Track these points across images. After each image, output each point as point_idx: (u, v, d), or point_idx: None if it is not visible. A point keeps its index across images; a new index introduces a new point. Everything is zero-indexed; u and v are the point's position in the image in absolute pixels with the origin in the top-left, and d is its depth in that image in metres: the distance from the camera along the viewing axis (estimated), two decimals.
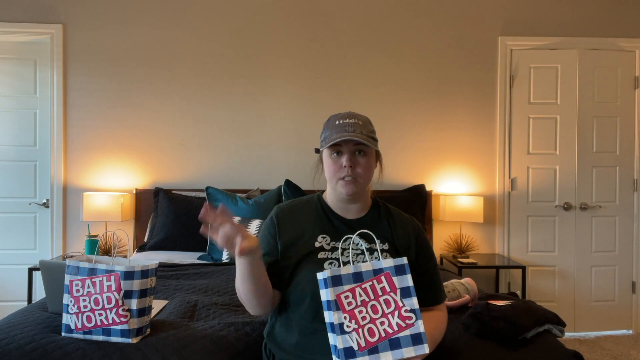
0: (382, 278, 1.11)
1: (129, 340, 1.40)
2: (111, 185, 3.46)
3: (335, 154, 1.30)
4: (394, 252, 1.33)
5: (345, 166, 1.27)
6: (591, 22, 3.65)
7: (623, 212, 3.65)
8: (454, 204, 3.40)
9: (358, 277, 1.10)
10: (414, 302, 1.10)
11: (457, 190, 3.62)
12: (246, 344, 1.48)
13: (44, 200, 3.49)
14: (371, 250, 1.30)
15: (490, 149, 3.65)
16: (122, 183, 3.47)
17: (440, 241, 3.63)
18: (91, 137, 3.45)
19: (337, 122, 1.30)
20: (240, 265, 1.20)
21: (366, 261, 1.28)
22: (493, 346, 1.47)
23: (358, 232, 1.23)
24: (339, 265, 1.27)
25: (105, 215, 3.19)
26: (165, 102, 3.49)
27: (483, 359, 1.43)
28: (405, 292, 1.10)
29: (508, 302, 1.64)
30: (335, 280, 1.09)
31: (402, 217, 1.41)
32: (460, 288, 1.84)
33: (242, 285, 1.24)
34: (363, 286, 1.10)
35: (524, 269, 3.24)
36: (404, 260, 1.13)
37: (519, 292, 3.20)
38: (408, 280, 1.11)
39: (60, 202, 3.41)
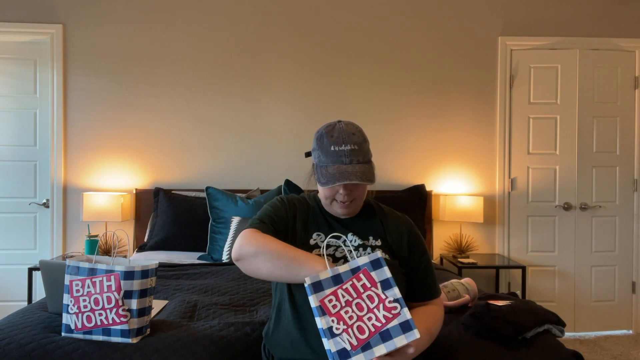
0: (361, 275, 1.13)
1: (129, 340, 1.40)
2: (111, 185, 3.46)
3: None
4: (386, 248, 1.34)
5: (341, 193, 1.29)
6: (591, 22, 3.65)
7: (623, 212, 3.65)
8: (454, 204, 3.40)
9: (337, 279, 1.12)
10: (395, 292, 1.11)
11: (457, 190, 3.62)
12: (246, 344, 1.48)
13: (44, 200, 3.49)
14: (364, 246, 1.32)
15: (490, 149, 3.65)
16: (122, 183, 3.47)
17: (440, 241, 3.63)
18: (91, 137, 3.45)
19: (332, 149, 1.27)
20: (296, 276, 1.17)
21: (361, 255, 1.31)
22: (493, 346, 1.47)
23: (331, 235, 1.25)
24: (334, 262, 1.29)
25: (105, 215, 3.19)
26: (165, 102, 3.49)
27: (483, 359, 1.43)
28: (385, 284, 1.12)
29: (508, 302, 1.64)
30: (316, 286, 1.10)
31: (395, 214, 1.43)
32: (460, 288, 1.84)
33: (274, 275, 1.20)
34: (344, 287, 1.11)
35: (524, 269, 3.24)
36: (378, 254, 1.15)
37: (519, 292, 3.19)
38: (386, 273, 1.13)
39: (60, 202, 3.41)
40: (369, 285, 1.12)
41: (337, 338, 1.06)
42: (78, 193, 3.43)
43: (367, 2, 3.58)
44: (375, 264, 1.14)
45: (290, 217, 1.36)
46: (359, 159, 1.27)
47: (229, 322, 1.59)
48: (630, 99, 3.66)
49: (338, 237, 1.33)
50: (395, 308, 1.10)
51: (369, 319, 1.09)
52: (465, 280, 1.89)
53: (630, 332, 3.63)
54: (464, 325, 1.57)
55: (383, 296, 1.11)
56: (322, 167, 1.29)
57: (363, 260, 1.14)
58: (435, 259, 3.61)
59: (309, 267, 1.15)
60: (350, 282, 1.12)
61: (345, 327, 1.08)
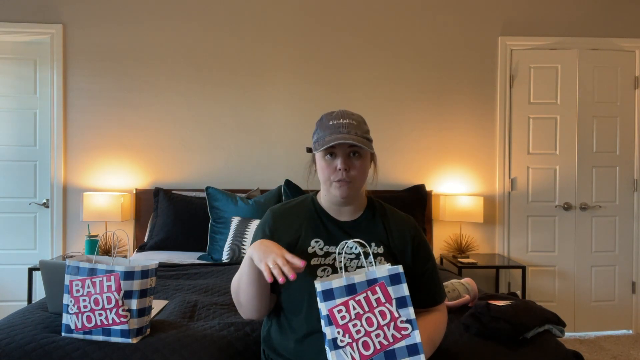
0: (377, 289, 1.06)
1: (129, 341, 1.40)
2: (111, 185, 3.45)
3: (329, 156, 1.27)
4: (389, 255, 1.30)
5: (339, 169, 1.25)
6: (591, 22, 3.65)
7: (623, 212, 3.65)
8: (454, 204, 3.40)
9: (351, 290, 1.06)
10: (410, 312, 1.06)
11: (457, 190, 3.62)
12: (246, 344, 1.48)
13: (44, 200, 3.49)
14: (366, 255, 1.26)
15: (490, 149, 3.65)
16: (122, 183, 3.47)
17: (440, 241, 3.63)
18: (91, 137, 3.45)
19: (330, 123, 1.27)
20: (252, 268, 1.20)
21: (362, 266, 1.24)
22: (493, 346, 1.47)
23: (345, 241, 1.19)
24: (332, 272, 1.24)
25: (105, 215, 3.19)
26: (165, 102, 3.49)
27: (483, 359, 1.43)
28: (401, 302, 1.06)
29: (508, 302, 1.64)
30: (327, 294, 1.05)
31: (398, 217, 1.38)
32: (460, 288, 1.84)
33: (248, 288, 1.23)
34: (357, 298, 1.05)
35: (524, 269, 3.24)
36: (399, 269, 1.08)
37: (519, 292, 3.19)
38: (404, 290, 1.07)
39: (60, 202, 3.41)
40: (383, 300, 1.06)
41: (340, 350, 1.03)
42: (78, 193, 3.43)
43: (367, 2, 3.58)
44: (395, 279, 1.07)
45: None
46: (357, 132, 1.25)
47: (229, 322, 1.59)
48: (630, 99, 3.66)
49: (361, 244, 1.26)
50: (406, 329, 1.04)
51: (377, 335, 1.04)
52: (465, 280, 1.89)
53: (630, 332, 3.63)
54: (464, 325, 1.57)
55: (396, 314, 1.05)
56: (319, 140, 1.27)
57: (382, 272, 1.07)
58: (435, 259, 3.60)
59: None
60: (364, 294, 1.06)
61: (350, 340, 1.03)
